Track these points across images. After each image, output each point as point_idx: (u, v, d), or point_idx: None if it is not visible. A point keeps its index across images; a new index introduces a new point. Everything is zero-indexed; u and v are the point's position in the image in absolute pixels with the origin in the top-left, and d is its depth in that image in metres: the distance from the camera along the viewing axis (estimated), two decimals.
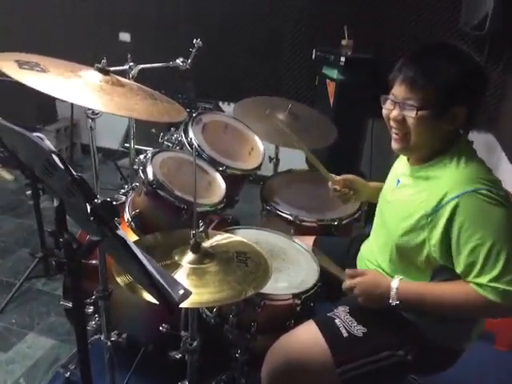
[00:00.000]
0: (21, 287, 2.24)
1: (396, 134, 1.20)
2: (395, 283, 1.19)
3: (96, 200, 0.65)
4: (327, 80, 2.86)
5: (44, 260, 2.32)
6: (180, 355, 1.37)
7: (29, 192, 2.17)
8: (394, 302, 1.19)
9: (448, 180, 1.14)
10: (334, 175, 1.61)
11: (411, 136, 1.17)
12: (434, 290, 1.19)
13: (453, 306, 1.16)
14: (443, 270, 1.18)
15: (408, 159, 1.29)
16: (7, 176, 3.46)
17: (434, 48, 1.20)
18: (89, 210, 0.64)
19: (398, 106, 1.17)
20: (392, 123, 1.20)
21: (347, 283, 1.26)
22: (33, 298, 2.23)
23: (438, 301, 1.17)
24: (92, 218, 0.65)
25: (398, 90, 1.16)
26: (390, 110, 1.19)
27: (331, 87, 2.81)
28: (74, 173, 0.66)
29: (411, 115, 1.14)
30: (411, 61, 1.15)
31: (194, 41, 1.76)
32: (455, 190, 1.10)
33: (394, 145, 1.22)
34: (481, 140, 2.96)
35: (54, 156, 0.66)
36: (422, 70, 1.12)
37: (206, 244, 1.24)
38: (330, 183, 1.60)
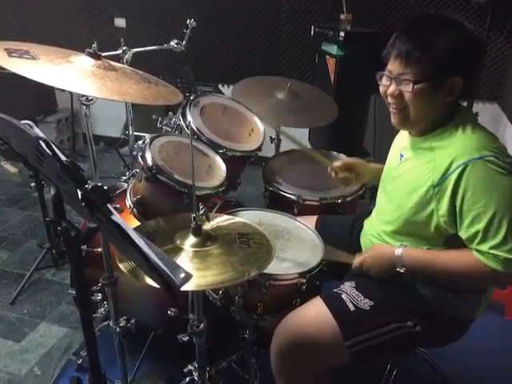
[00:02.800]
0: (30, 278, 2.27)
1: (395, 109, 1.20)
2: (399, 251, 1.24)
3: (87, 185, 0.64)
4: (327, 56, 2.81)
5: (52, 250, 2.34)
6: (187, 338, 1.38)
7: (33, 184, 2.18)
8: (400, 269, 1.23)
9: (455, 147, 1.13)
10: (335, 162, 1.60)
11: (410, 110, 1.16)
12: (439, 257, 1.21)
13: (457, 272, 1.18)
14: (454, 240, 1.18)
15: (409, 132, 1.28)
16: (11, 169, 3.48)
17: (425, 20, 1.19)
18: (79, 196, 0.63)
19: (394, 81, 1.16)
20: (390, 99, 1.19)
21: (356, 262, 1.33)
22: (43, 288, 2.26)
23: (442, 267, 1.19)
24: (83, 204, 0.64)
25: (393, 66, 1.15)
26: (386, 86, 1.19)
27: (331, 64, 2.77)
28: (63, 158, 0.65)
29: (408, 89, 1.13)
30: (404, 35, 1.13)
31: (188, 21, 1.72)
32: (462, 158, 1.10)
33: (394, 120, 1.22)
34: (486, 110, 2.92)
35: (41, 142, 0.64)
36: (416, 43, 1.10)
37: (208, 227, 1.23)
38: (329, 168, 1.59)
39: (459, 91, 1.14)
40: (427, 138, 1.21)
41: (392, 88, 1.17)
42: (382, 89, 1.21)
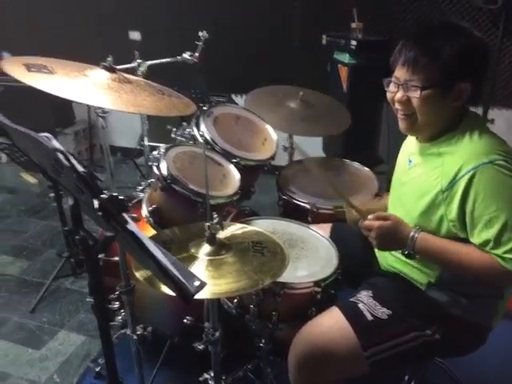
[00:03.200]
0: (50, 286, 2.31)
1: (402, 115, 1.20)
2: (414, 235, 1.18)
3: (103, 195, 0.66)
4: (339, 65, 2.82)
5: (71, 259, 2.38)
6: (203, 346, 1.39)
7: (52, 194, 2.23)
8: (406, 251, 1.20)
9: (463, 153, 1.13)
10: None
11: (418, 116, 1.17)
12: (453, 248, 1.17)
13: (471, 266, 1.15)
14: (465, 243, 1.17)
15: (417, 138, 1.28)
16: (31, 180, 3.55)
17: (432, 27, 1.20)
18: (96, 205, 0.65)
19: (401, 87, 1.16)
20: (397, 105, 1.20)
21: (366, 223, 1.23)
22: (62, 297, 2.30)
23: (455, 259, 1.16)
24: (100, 213, 0.66)
25: (400, 72, 1.16)
26: (393, 93, 1.19)
27: (344, 72, 2.77)
28: (80, 169, 0.67)
29: (416, 96, 1.13)
30: (411, 42, 1.14)
31: (200, 33, 1.76)
32: (471, 163, 1.10)
33: (402, 126, 1.23)
34: (502, 116, 2.88)
35: (59, 154, 0.67)
36: (423, 49, 1.11)
37: (222, 235, 1.24)
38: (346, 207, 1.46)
39: (467, 97, 1.14)
40: (435, 144, 1.21)
41: (399, 94, 1.17)
42: (389, 95, 1.22)
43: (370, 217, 1.24)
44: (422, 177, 1.23)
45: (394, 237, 1.21)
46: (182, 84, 2.83)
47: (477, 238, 1.12)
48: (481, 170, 1.08)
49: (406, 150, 1.39)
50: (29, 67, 1.04)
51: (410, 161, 1.31)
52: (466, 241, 1.17)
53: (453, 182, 1.12)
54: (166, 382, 1.78)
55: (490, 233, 1.09)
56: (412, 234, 1.19)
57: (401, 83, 1.16)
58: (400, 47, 1.16)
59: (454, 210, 1.14)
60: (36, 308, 2.21)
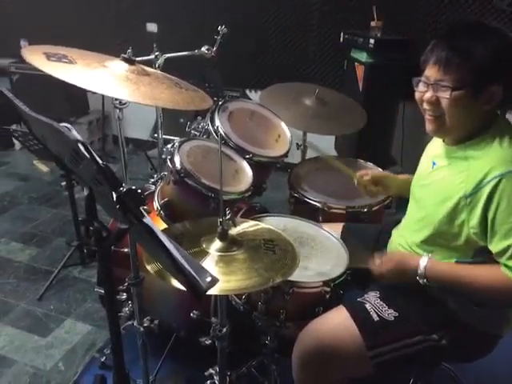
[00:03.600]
0: (58, 275, 2.32)
1: (430, 116, 1.18)
2: (424, 262, 1.19)
3: (121, 188, 0.66)
4: (356, 63, 2.80)
5: (80, 248, 2.39)
6: (210, 341, 1.39)
7: (64, 183, 2.24)
8: (422, 280, 1.20)
9: (491, 159, 1.11)
10: (360, 172, 1.59)
11: (446, 117, 1.15)
12: (465, 271, 1.17)
13: (483, 287, 1.14)
14: (484, 252, 1.15)
15: (443, 140, 1.26)
16: (43, 168, 3.58)
17: (465, 27, 1.17)
18: (114, 198, 0.65)
19: (431, 87, 1.14)
20: (426, 105, 1.17)
21: (376, 273, 1.28)
22: (70, 285, 2.32)
23: (468, 281, 1.16)
24: (118, 206, 0.66)
25: (431, 72, 1.14)
26: (422, 93, 1.17)
27: (360, 71, 2.76)
28: (100, 161, 0.67)
29: (446, 96, 1.11)
30: (443, 42, 1.12)
31: (219, 28, 1.75)
32: (498, 169, 1.08)
33: (429, 127, 1.20)
34: None
35: (80, 145, 0.67)
36: (455, 50, 1.09)
37: (234, 232, 1.24)
38: (355, 181, 1.58)
39: (498, 100, 1.12)
40: (462, 147, 1.19)
41: (429, 94, 1.15)
42: (417, 95, 1.20)
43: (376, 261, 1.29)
44: (445, 179, 1.21)
45: (402, 275, 1.24)
46: (197, 77, 2.83)
47: (494, 245, 1.11)
48: (508, 177, 1.06)
49: (430, 151, 1.37)
50: (48, 56, 1.04)
51: (434, 163, 1.29)
52: (483, 250, 1.15)
53: (478, 188, 1.10)
54: (170, 374, 1.79)
55: (508, 242, 1.08)
56: (421, 263, 1.19)
57: (431, 83, 1.14)
58: (432, 47, 1.14)
59: (475, 217, 1.12)
60: (43, 296, 2.23)
